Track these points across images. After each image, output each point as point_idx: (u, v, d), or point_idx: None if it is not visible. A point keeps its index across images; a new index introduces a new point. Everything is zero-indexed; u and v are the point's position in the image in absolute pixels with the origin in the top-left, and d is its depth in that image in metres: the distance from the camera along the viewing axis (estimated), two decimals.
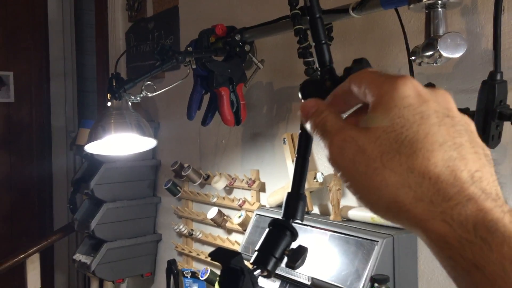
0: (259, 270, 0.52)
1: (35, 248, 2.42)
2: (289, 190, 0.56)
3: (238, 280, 0.49)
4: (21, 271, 2.51)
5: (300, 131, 0.58)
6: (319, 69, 0.60)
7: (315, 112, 0.42)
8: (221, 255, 0.54)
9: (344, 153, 0.37)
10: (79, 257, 2.22)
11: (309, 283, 1.31)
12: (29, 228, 3.34)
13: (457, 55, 0.91)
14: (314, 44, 0.60)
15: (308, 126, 0.42)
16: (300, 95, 0.58)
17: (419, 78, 1.10)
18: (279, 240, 0.53)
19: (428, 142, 0.34)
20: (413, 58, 0.98)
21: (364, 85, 0.39)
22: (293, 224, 0.55)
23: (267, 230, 0.55)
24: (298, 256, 0.53)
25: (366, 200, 0.37)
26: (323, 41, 0.58)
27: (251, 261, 0.53)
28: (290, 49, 1.63)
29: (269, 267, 0.52)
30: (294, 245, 0.54)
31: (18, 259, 2.40)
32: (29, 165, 3.37)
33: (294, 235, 0.54)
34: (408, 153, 0.34)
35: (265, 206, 1.71)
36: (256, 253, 0.53)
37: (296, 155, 0.57)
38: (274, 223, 0.55)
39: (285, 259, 0.53)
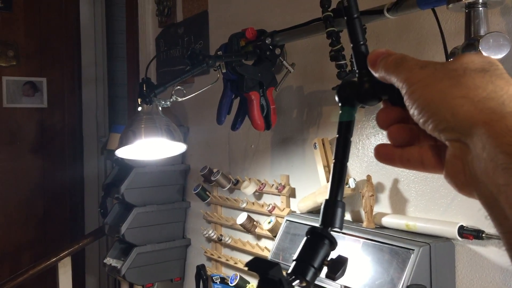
0: (297, 281, 0.50)
1: (66, 252, 2.45)
2: (327, 197, 0.53)
3: None
4: (53, 275, 2.55)
5: (337, 135, 0.56)
6: (353, 71, 0.58)
7: (386, 54, 0.46)
8: (259, 265, 0.52)
9: (413, 83, 0.42)
10: (109, 261, 2.24)
11: None
12: (61, 232, 3.40)
13: (500, 55, 0.87)
14: (351, 45, 0.57)
15: (377, 72, 0.47)
16: (337, 99, 0.56)
17: None
18: (317, 250, 0.50)
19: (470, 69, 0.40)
20: (451, 59, 0.94)
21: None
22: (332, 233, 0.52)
23: (304, 238, 0.52)
24: (338, 266, 0.50)
25: (436, 119, 0.40)
26: (361, 42, 0.56)
27: (289, 271, 0.50)
28: (320, 52, 1.61)
29: (308, 278, 0.49)
30: (333, 254, 0.52)
31: (50, 263, 2.43)
32: (61, 170, 3.43)
33: (333, 244, 0.52)
34: (473, 76, 0.39)
35: (295, 212, 1.68)
36: (294, 262, 0.51)
37: (334, 160, 0.55)
38: (312, 231, 0.52)
39: (324, 269, 0.51)
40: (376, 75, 0.47)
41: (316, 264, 0.50)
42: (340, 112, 0.56)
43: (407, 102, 0.42)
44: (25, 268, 2.43)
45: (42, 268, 2.41)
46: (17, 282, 2.37)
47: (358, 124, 1.47)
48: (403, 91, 0.43)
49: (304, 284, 0.50)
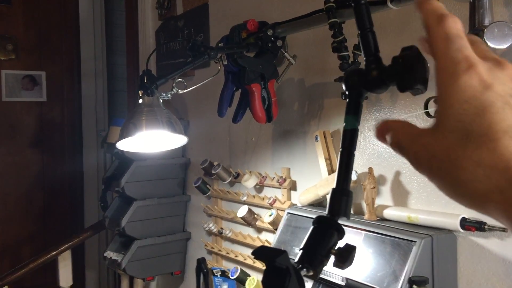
0: (304, 270, 0.49)
1: (66, 245, 2.45)
2: (334, 186, 0.53)
3: (284, 280, 0.46)
4: (53, 268, 2.55)
5: (344, 124, 0.55)
6: (356, 62, 0.57)
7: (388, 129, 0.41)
8: (265, 253, 0.51)
9: (421, 163, 0.37)
10: (110, 254, 2.24)
11: (343, 283, 1.28)
12: (61, 225, 3.40)
13: (504, 45, 0.87)
14: (358, 31, 0.57)
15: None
16: (344, 86, 0.55)
17: None
18: (325, 239, 0.50)
19: (492, 132, 0.34)
20: None
21: (436, 55, 0.38)
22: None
23: (311, 228, 0.52)
24: (346, 255, 0.50)
25: (456, 198, 0.36)
26: (369, 29, 0.55)
27: (296, 260, 0.50)
28: (321, 44, 1.60)
29: (316, 267, 0.49)
30: (340, 243, 0.52)
31: (50, 256, 2.43)
32: (60, 163, 3.42)
33: (340, 233, 0.51)
34: (473, 147, 0.34)
35: (296, 204, 1.68)
36: (301, 252, 0.50)
37: (341, 148, 0.54)
38: (319, 220, 0.52)
39: (332, 258, 0.50)
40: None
41: (323, 253, 0.50)
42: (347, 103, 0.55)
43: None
44: (25, 262, 2.43)
45: (42, 262, 2.41)
46: (17, 276, 2.37)
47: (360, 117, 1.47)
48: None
49: (311, 273, 0.49)
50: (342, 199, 0.52)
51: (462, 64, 0.36)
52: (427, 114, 1.10)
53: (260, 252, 0.51)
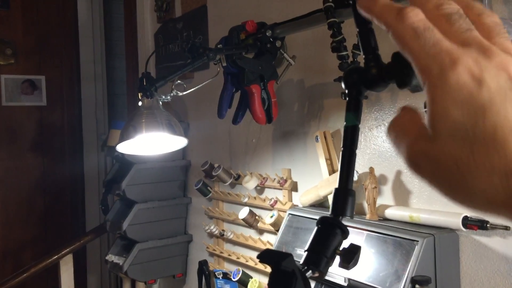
0: (310, 271, 0.49)
1: (68, 249, 2.45)
2: (337, 186, 0.53)
3: (290, 283, 0.46)
4: (54, 272, 2.54)
5: (345, 122, 0.55)
6: (355, 62, 0.57)
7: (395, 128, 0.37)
8: (271, 256, 0.51)
9: (421, 169, 0.34)
10: (111, 257, 2.23)
11: (345, 284, 1.27)
12: (62, 229, 3.39)
13: None
14: (357, 29, 0.56)
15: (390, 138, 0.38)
16: (343, 85, 0.55)
17: None
18: (329, 239, 0.50)
19: (499, 136, 0.30)
20: None
21: (411, 55, 0.34)
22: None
23: (315, 228, 0.52)
24: (351, 255, 0.49)
25: (464, 206, 0.34)
26: (368, 26, 0.55)
27: (301, 261, 0.50)
28: (320, 45, 1.60)
29: (321, 268, 0.49)
30: (344, 243, 0.51)
31: (52, 260, 2.42)
32: (61, 167, 3.42)
33: (344, 233, 0.51)
34: (482, 154, 0.31)
35: (297, 205, 1.67)
36: (306, 253, 0.50)
37: (342, 147, 0.54)
38: (323, 221, 0.52)
39: (337, 259, 0.50)
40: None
41: (328, 254, 0.49)
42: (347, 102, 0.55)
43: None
44: (27, 266, 2.43)
45: (44, 266, 2.40)
46: (19, 280, 2.36)
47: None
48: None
49: (317, 275, 0.49)
50: (345, 198, 0.52)
51: (445, 60, 0.32)
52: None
53: (266, 256, 0.51)
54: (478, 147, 0.31)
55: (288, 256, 0.48)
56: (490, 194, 0.31)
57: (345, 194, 0.52)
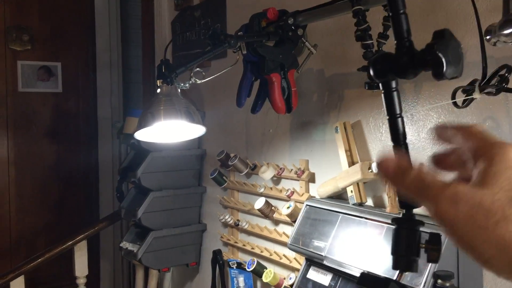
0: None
1: (82, 235, 2.46)
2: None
3: None
4: (67, 259, 2.56)
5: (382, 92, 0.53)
6: (380, 51, 0.56)
7: (400, 171, 0.41)
8: (373, 283, 0.52)
9: (459, 207, 0.37)
10: (125, 245, 2.24)
11: None
12: (75, 216, 3.41)
13: None
14: (390, 14, 0.54)
15: (393, 185, 0.42)
16: (371, 71, 0.53)
17: (491, 61, 1.02)
18: (410, 237, 0.49)
19: None
20: (488, 37, 0.90)
21: (475, 141, 0.40)
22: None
23: (393, 230, 0.51)
24: (437, 245, 0.49)
25: (485, 255, 0.36)
26: (402, 11, 0.53)
27: (392, 267, 0.50)
28: (342, 33, 1.57)
29: (414, 269, 0.49)
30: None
31: (67, 246, 2.44)
32: (75, 154, 3.44)
33: (420, 224, 0.51)
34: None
35: (314, 197, 1.66)
36: (397, 258, 0.50)
37: (388, 116, 0.52)
38: (397, 221, 0.51)
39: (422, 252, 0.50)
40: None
41: (415, 253, 0.49)
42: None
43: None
44: (41, 251, 2.45)
45: (59, 252, 2.42)
46: (33, 265, 2.38)
47: (382, 107, 1.44)
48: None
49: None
50: None
51: (507, 143, 0.39)
52: (455, 104, 1.07)
53: (366, 281, 0.52)
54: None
55: (391, 282, 0.48)
56: None
57: None
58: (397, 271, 0.50)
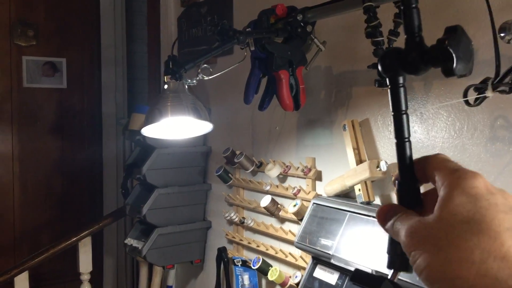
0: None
1: (87, 232, 2.46)
2: (399, 179, 0.50)
3: None
4: (71, 255, 2.56)
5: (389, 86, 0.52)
6: (392, 46, 0.55)
7: (391, 216, 0.46)
8: (366, 280, 0.51)
9: (414, 237, 0.41)
10: (130, 241, 2.23)
11: None
12: (79, 212, 3.41)
13: None
14: (402, 8, 0.53)
15: (386, 231, 0.46)
16: (380, 67, 0.52)
17: (504, 59, 1.01)
18: None
19: (495, 225, 0.37)
20: (502, 35, 0.89)
21: (436, 171, 0.44)
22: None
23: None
24: None
25: (432, 278, 0.38)
26: (414, 5, 0.52)
27: (388, 266, 0.49)
28: (351, 31, 1.56)
29: (410, 270, 0.49)
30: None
31: (71, 242, 2.44)
32: (80, 150, 3.43)
33: None
34: (474, 231, 0.37)
35: (321, 195, 1.65)
36: (392, 257, 0.49)
37: (393, 112, 0.51)
38: None
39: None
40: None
41: None
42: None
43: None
44: (45, 247, 2.44)
45: (63, 247, 2.42)
46: (38, 261, 2.38)
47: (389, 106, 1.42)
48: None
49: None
50: (408, 189, 0.50)
51: (471, 171, 0.42)
52: (467, 102, 1.06)
53: (360, 278, 0.51)
54: (472, 227, 0.38)
55: (384, 279, 0.48)
56: (464, 267, 0.37)
57: (405, 186, 0.50)
58: (392, 270, 0.49)
